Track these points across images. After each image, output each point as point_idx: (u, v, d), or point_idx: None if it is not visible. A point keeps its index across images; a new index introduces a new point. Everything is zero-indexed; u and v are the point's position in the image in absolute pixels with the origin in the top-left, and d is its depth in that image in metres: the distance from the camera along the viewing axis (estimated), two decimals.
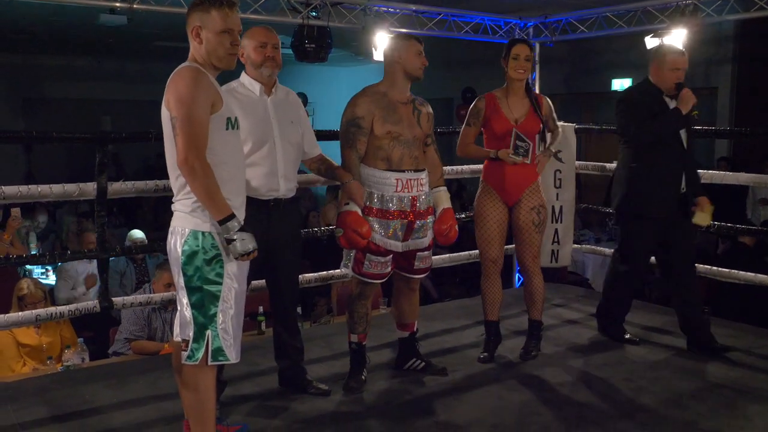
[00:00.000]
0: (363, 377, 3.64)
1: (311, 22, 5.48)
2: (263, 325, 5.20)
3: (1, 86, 12.82)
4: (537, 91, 4.64)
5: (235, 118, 2.73)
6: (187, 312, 2.62)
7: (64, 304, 4.55)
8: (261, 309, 5.20)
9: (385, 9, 5.81)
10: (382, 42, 5.66)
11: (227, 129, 2.67)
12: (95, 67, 13.21)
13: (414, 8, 6.02)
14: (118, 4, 4.61)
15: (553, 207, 5.13)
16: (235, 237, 2.56)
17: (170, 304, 4.42)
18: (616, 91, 11.57)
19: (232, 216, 2.57)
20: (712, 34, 9.12)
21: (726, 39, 9.56)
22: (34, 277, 5.32)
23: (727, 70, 10.05)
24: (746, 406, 3.40)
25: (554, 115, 4.06)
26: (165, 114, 2.62)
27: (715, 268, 4.80)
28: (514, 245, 4.06)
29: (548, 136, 4.00)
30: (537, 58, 6.79)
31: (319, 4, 5.48)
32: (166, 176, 2.78)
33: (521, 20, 6.61)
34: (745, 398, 3.49)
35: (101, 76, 13.37)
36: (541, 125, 3.91)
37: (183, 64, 2.66)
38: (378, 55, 5.66)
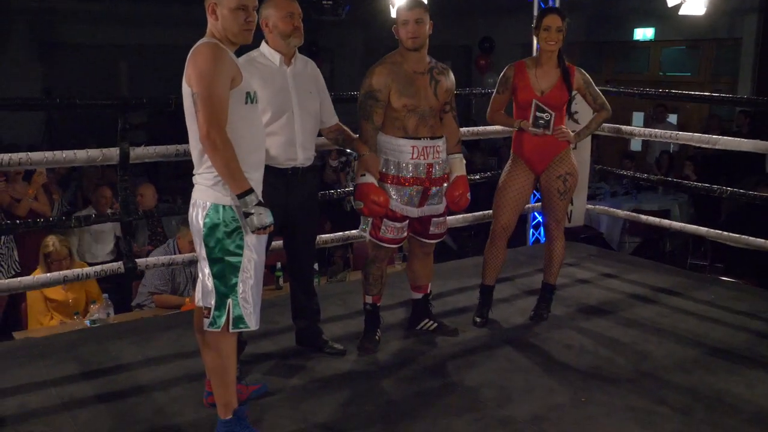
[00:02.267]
0: (377, 338, 3.77)
1: None
2: (281, 280, 5.36)
3: (18, 30, 12.78)
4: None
5: (254, 93, 2.80)
6: (209, 282, 2.74)
7: None
8: (279, 264, 5.35)
9: None
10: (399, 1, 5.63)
11: (246, 103, 2.75)
12: (110, 11, 13.11)
13: None
14: None
15: None
16: (252, 211, 2.66)
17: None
18: (638, 41, 11.44)
19: (250, 191, 2.66)
20: None
21: None
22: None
23: (752, 20, 9.88)
24: (748, 372, 3.51)
25: (595, 89, 3.98)
26: (186, 90, 2.69)
27: (725, 233, 4.83)
28: (532, 206, 4.09)
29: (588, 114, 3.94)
30: (557, 3, 6.74)
31: None
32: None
33: None
34: (747, 364, 3.59)
35: (118, 20, 13.28)
36: (568, 97, 3.89)
37: (202, 40, 2.73)
38: (394, 13, 5.65)
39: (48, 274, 3.99)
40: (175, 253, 4.88)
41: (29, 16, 12.77)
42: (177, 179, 9.67)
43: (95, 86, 13.12)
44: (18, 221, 4.88)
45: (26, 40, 12.89)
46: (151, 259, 4.15)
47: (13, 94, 11.69)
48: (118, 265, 3.93)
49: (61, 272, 3.92)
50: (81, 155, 3.64)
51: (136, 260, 3.93)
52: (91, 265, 5.34)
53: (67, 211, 7.15)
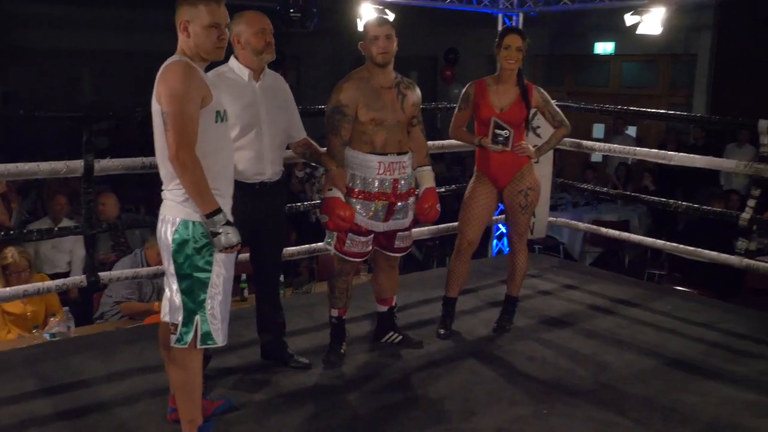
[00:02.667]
0: (342, 351, 3.80)
1: None
2: (245, 291, 5.36)
3: None
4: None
5: (224, 111, 2.82)
6: (177, 298, 2.74)
7: None
8: (243, 276, 5.34)
9: None
10: (367, 12, 5.70)
11: (216, 122, 2.76)
12: (75, 16, 12.96)
13: None
14: None
15: None
16: (220, 230, 2.67)
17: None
18: (598, 55, 11.68)
19: (218, 210, 2.68)
20: (693, 1, 9.20)
21: (706, 7, 9.63)
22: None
23: (706, 37, 10.16)
24: (703, 382, 3.61)
25: (554, 107, 4.08)
26: (156, 108, 2.70)
27: (681, 246, 4.96)
28: (495, 218, 4.17)
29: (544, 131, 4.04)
30: (521, 22, 6.88)
31: None
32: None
33: None
34: (703, 374, 3.69)
35: (81, 25, 13.13)
36: (527, 115, 3.98)
37: (172, 58, 2.73)
38: (361, 27, 5.70)
39: (7, 289, 3.93)
40: (142, 264, 4.85)
41: None
42: (140, 187, 9.58)
43: (56, 92, 12.96)
44: None
45: None
46: (115, 273, 4.13)
47: None
48: (80, 279, 3.90)
49: (21, 287, 3.87)
50: (44, 167, 3.61)
51: (99, 274, 3.90)
52: (50, 276, 5.29)
53: (26, 219, 7.05)
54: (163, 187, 2.80)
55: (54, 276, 5.29)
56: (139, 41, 13.54)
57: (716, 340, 4.15)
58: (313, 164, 5.09)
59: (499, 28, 6.97)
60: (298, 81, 13.39)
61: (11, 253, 4.65)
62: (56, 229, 4.40)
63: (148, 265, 4.85)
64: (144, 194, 9.44)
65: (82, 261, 6.07)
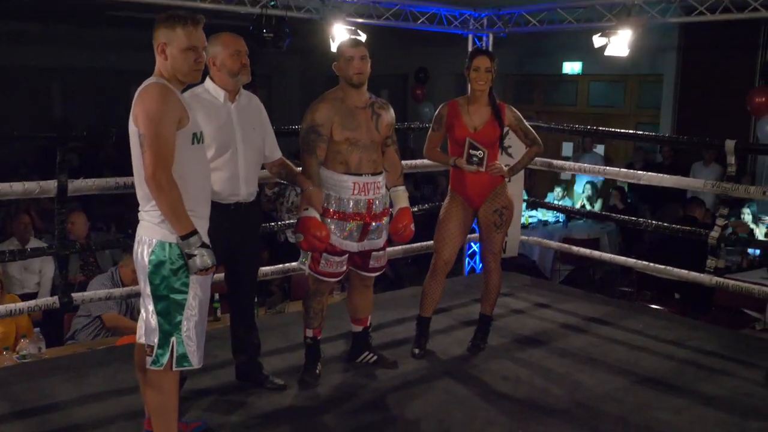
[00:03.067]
0: (317, 371, 3.80)
1: (270, 12, 5.52)
2: (218, 311, 5.32)
3: None
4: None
5: (201, 133, 2.83)
6: (153, 319, 2.73)
7: None
8: (217, 295, 5.31)
9: None
10: (339, 33, 5.74)
11: (193, 144, 2.77)
12: (45, 33, 12.87)
13: None
14: None
15: None
16: (195, 252, 2.67)
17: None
18: (566, 74, 11.86)
19: (194, 232, 2.68)
20: (659, 23, 9.40)
21: (672, 28, 9.83)
22: None
23: (672, 58, 10.37)
24: (675, 399, 3.66)
25: (526, 125, 4.13)
26: (133, 129, 2.69)
27: (651, 264, 5.04)
28: (467, 239, 4.20)
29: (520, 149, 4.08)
30: (491, 42, 6.98)
31: None
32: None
33: (475, 11, 6.74)
34: (674, 392, 3.75)
35: (52, 43, 13.04)
36: (500, 133, 4.03)
37: (149, 80, 2.74)
38: (335, 47, 5.75)
39: None
40: (117, 283, 4.81)
41: None
42: (111, 206, 9.49)
43: (26, 109, 12.83)
44: None
45: None
46: (87, 294, 4.10)
47: None
48: (53, 300, 3.85)
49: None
50: (17, 188, 3.57)
51: (72, 295, 3.86)
52: (20, 296, 5.21)
53: None
54: (140, 208, 2.80)
55: (24, 297, 5.20)
56: (111, 59, 13.51)
57: (687, 357, 4.22)
58: (283, 183, 5.08)
59: (470, 48, 7.06)
60: (268, 99, 13.43)
61: None
62: (28, 249, 4.34)
63: (123, 284, 4.81)
64: (115, 212, 9.36)
65: (50, 281, 6.01)
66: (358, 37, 5.61)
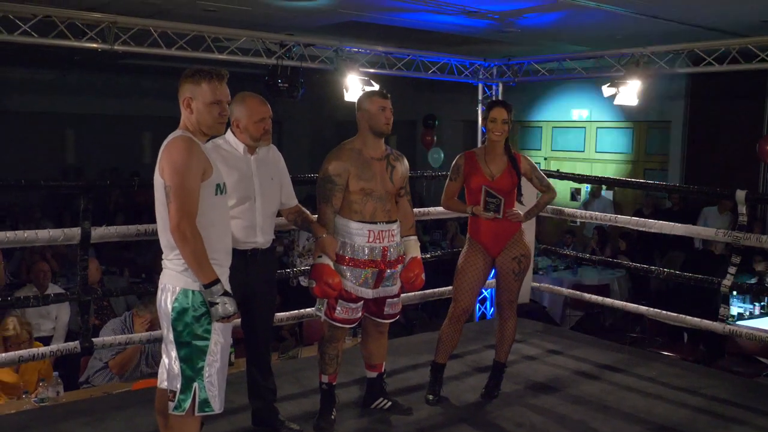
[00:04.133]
0: (332, 417, 3.82)
1: (285, 62, 5.66)
2: (233, 356, 5.35)
3: None
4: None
5: (224, 184, 2.92)
6: (176, 365, 2.79)
7: None
8: (231, 340, 5.34)
9: (357, 50, 6.02)
10: (352, 82, 5.88)
11: (216, 194, 2.86)
12: (59, 81, 13.16)
13: (383, 49, 6.25)
14: (98, 46, 4.73)
15: None
16: (218, 301, 2.74)
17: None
18: (574, 121, 12.01)
19: (216, 281, 2.75)
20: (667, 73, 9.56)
21: (679, 76, 9.99)
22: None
23: (679, 105, 10.51)
24: None
25: (540, 173, 4.23)
26: (158, 181, 2.79)
27: (664, 312, 5.06)
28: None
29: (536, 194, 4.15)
30: (500, 91, 7.12)
31: (292, 45, 5.67)
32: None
33: (485, 61, 6.89)
34: None
35: (65, 90, 13.32)
36: (517, 181, 4.10)
37: (175, 133, 2.84)
38: (349, 96, 5.89)
39: (3, 354, 3.93)
40: (129, 330, 4.86)
41: None
42: (122, 249, 9.59)
43: (41, 153, 13.05)
44: None
45: None
46: (108, 339, 4.14)
47: None
48: (74, 345, 3.91)
49: (16, 352, 3.87)
50: (43, 235, 3.66)
51: (93, 340, 3.91)
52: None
53: (10, 282, 7.03)
54: (163, 257, 2.87)
55: (37, 340, 5.25)
56: (124, 105, 13.78)
57: (701, 405, 4.22)
58: (293, 229, 5.16)
59: (479, 95, 7.22)
60: (279, 145, 13.59)
61: (12, 324, 4.60)
62: (51, 295, 4.41)
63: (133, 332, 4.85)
64: (126, 255, 9.46)
65: (66, 326, 6.06)
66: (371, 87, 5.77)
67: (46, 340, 5.73)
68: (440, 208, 5.17)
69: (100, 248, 9.24)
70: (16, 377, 4.58)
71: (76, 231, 3.74)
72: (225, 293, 2.77)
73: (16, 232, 3.61)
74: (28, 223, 9.82)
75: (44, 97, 13.19)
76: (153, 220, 2.92)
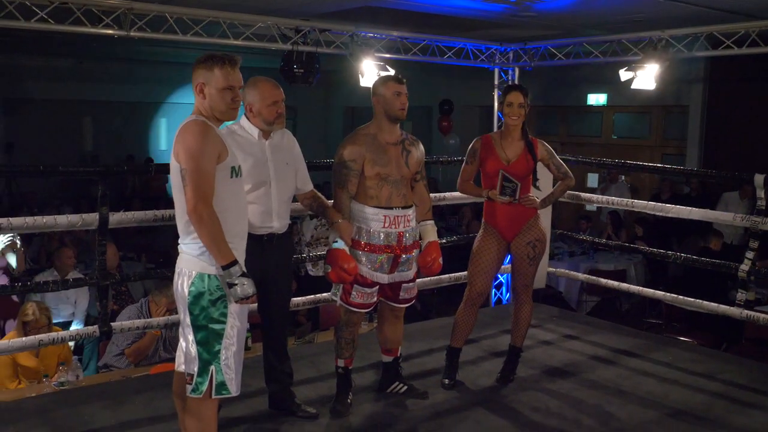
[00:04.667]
0: (349, 401, 3.84)
1: (300, 48, 5.66)
2: (249, 341, 5.39)
3: None
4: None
5: (239, 167, 2.93)
6: (193, 348, 2.81)
7: None
8: (248, 325, 5.38)
9: (372, 35, 6.00)
10: (368, 68, 5.87)
11: (231, 177, 2.87)
12: (76, 68, 13.25)
13: (399, 35, 6.22)
14: (114, 32, 4.75)
15: None
16: (236, 282, 2.76)
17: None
18: (591, 106, 11.92)
19: (234, 262, 2.77)
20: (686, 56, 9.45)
21: (697, 60, 9.88)
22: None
23: (698, 90, 10.39)
24: None
25: (558, 160, 4.21)
26: (174, 165, 2.80)
27: (681, 297, 5.04)
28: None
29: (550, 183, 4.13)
30: (516, 75, 7.07)
31: (308, 30, 5.66)
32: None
33: (501, 46, 6.85)
34: (705, 425, 3.74)
35: (82, 77, 13.40)
36: (533, 166, 4.09)
37: (189, 118, 2.85)
38: (364, 81, 5.87)
39: (23, 339, 3.98)
40: (145, 316, 4.91)
41: None
42: (139, 235, 9.66)
43: (58, 141, 13.16)
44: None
45: None
46: (126, 323, 4.18)
47: None
48: (93, 329, 3.95)
49: (36, 336, 3.92)
50: (61, 220, 3.70)
51: (111, 324, 3.96)
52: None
53: (30, 268, 7.10)
54: (179, 241, 2.89)
55: (56, 325, 5.32)
56: (141, 92, 13.85)
57: (718, 390, 4.21)
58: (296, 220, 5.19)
59: (495, 80, 7.17)
60: (294, 131, 13.64)
61: (32, 309, 4.65)
62: (71, 280, 4.46)
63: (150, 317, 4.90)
64: (143, 241, 9.53)
65: (84, 311, 6.13)
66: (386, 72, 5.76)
67: (65, 325, 5.80)
68: (456, 193, 5.15)
69: (117, 234, 9.34)
70: (36, 361, 4.65)
71: (94, 216, 3.77)
72: (243, 274, 2.78)
73: (35, 217, 3.65)
74: (47, 209, 9.92)
75: (61, 85, 13.28)
76: (169, 206, 2.94)
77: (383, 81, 3.75)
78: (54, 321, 5.71)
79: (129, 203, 10.11)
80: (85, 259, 7.54)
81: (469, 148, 4.16)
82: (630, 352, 4.83)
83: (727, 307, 4.70)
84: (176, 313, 4.33)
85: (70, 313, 6.12)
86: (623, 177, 10.90)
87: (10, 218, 3.58)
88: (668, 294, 5.21)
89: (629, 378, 4.37)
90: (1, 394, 4.45)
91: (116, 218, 3.86)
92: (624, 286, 5.78)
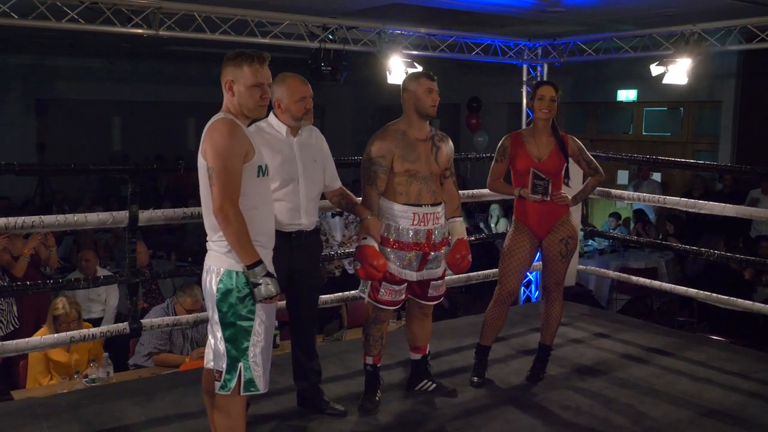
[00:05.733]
0: (377, 398, 3.83)
1: (328, 45, 5.66)
2: (278, 338, 5.40)
3: (15, 87, 13.02)
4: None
5: (266, 166, 2.93)
6: (221, 345, 2.82)
7: None
8: (276, 322, 5.39)
9: (399, 32, 5.99)
10: (395, 65, 5.85)
11: (258, 176, 2.87)
12: (107, 69, 13.40)
13: (426, 31, 6.20)
14: (143, 32, 4.79)
15: None
16: (260, 281, 2.76)
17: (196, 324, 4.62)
18: (621, 102, 11.76)
19: (259, 262, 2.77)
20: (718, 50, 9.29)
21: (730, 54, 9.70)
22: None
23: (730, 85, 10.21)
24: None
25: (588, 155, 4.17)
26: (201, 163, 2.81)
27: (714, 295, 4.95)
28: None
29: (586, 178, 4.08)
30: (545, 72, 7.01)
31: (335, 28, 5.66)
32: None
33: (530, 42, 6.79)
34: (740, 424, 3.67)
35: (112, 78, 13.55)
36: (565, 163, 4.05)
37: (217, 116, 2.85)
38: (392, 79, 5.86)
39: (55, 335, 4.03)
40: (171, 315, 4.94)
41: (25, 74, 13.02)
42: (169, 234, 9.75)
43: (88, 140, 13.33)
44: (30, 282, 4.80)
45: (22, 96, 13.12)
46: (155, 320, 4.21)
47: (7, 148, 11.90)
48: (123, 326, 3.98)
49: (67, 333, 3.97)
50: (92, 218, 3.73)
51: (141, 321, 3.99)
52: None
53: (61, 267, 7.19)
54: (207, 238, 2.90)
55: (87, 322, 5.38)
56: (170, 92, 13.97)
57: (753, 390, 4.13)
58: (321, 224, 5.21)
59: (524, 77, 7.11)
60: (322, 129, 13.67)
61: (62, 303, 4.71)
62: (101, 277, 4.51)
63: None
64: (172, 240, 9.61)
65: (114, 309, 6.19)
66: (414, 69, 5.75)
67: (95, 322, 5.86)
68: (484, 190, 5.13)
69: (147, 233, 9.43)
70: (67, 356, 4.71)
71: (124, 214, 3.80)
72: (267, 274, 2.78)
73: (66, 215, 3.69)
74: (78, 208, 10.05)
75: (92, 85, 13.45)
76: (198, 204, 2.95)
77: (415, 77, 3.73)
78: (84, 318, 5.80)
79: (161, 202, 10.22)
80: (116, 257, 7.62)
81: (498, 146, 4.12)
82: (662, 350, 4.76)
83: (762, 305, 4.62)
84: (200, 311, 4.37)
85: (101, 311, 6.18)
86: (653, 174, 10.75)
87: (42, 216, 3.61)
88: (701, 292, 5.12)
89: (662, 377, 4.31)
90: (34, 390, 4.51)
91: (146, 216, 3.89)
92: (655, 283, 5.71)
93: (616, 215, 9.82)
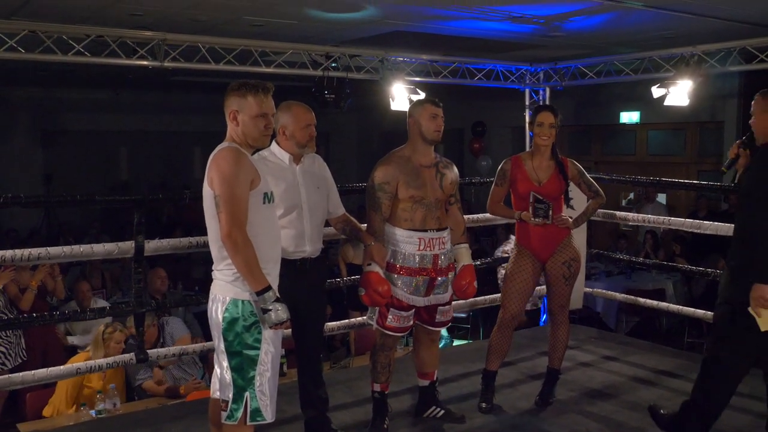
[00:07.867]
0: (385, 426, 3.81)
1: (331, 74, 5.71)
2: (284, 366, 5.38)
3: (22, 119, 13.14)
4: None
5: (271, 193, 2.95)
6: (227, 375, 2.82)
7: None
8: (283, 350, 5.38)
9: (402, 59, 6.03)
10: (398, 92, 5.89)
11: (264, 203, 2.89)
12: (112, 100, 13.53)
13: (428, 58, 6.25)
14: (148, 63, 4.84)
15: None
16: (270, 307, 2.76)
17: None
18: (624, 124, 11.79)
19: (268, 288, 2.77)
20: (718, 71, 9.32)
21: (731, 74, 9.73)
22: None
23: (732, 105, 10.23)
24: None
25: (588, 178, 4.18)
26: (207, 191, 2.83)
27: None
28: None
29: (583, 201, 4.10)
30: (547, 95, 7.04)
31: (338, 56, 5.71)
32: None
33: (531, 66, 6.83)
34: None
35: (118, 108, 13.67)
36: (565, 187, 4.06)
37: (223, 145, 2.88)
38: (395, 105, 5.90)
39: (60, 367, 4.02)
40: None
41: (32, 106, 13.14)
42: (176, 263, 9.75)
43: (95, 171, 13.41)
44: (35, 314, 4.80)
45: (28, 128, 13.24)
46: (162, 350, 4.21)
47: (14, 179, 11.99)
48: (130, 356, 3.99)
49: (74, 364, 3.97)
50: (98, 249, 3.75)
51: (147, 351, 3.98)
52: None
53: (67, 297, 7.20)
54: (213, 267, 2.91)
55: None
56: (176, 122, 14.08)
57: (763, 410, 4.08)
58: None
59: (527, 101, 7.14)
60: (327, 156, 13.76)
61: (116, 327, 4.70)
62: (107, 307, 4.51)
63: None
64: (180, 268, 9.61)
65: None
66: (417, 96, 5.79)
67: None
68: (487, 215, 5.14)
69: (153, 263, 9.43)
70: (101, 383, 4.64)
71: (129, 245, 3.82)
72: (277, 299, 2.79)
73: (72, 246, 3.71)
74: (84, 238, 10.09)
75: (98, 116, 13.56)
76: (204, 234, 2.97)
77: (420, 104, 3.77)
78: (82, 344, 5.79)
79: (169, 231, 10.25)
80: (123, 287, 7.63)
81: (498, 170, 4.14)
82: (671, 372, 4.73)
83: None
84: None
85: None
86: (659, 196, 10.74)
87: (48, 248, 3.63)
88: (708, 312, 5.08)
89: (671, 399, 4.26)
90: (40, 422, 4.50)
91: (152, 246, 3.91)
92: (663, 305, 5.68)
93: (624, 237, 9.80)
